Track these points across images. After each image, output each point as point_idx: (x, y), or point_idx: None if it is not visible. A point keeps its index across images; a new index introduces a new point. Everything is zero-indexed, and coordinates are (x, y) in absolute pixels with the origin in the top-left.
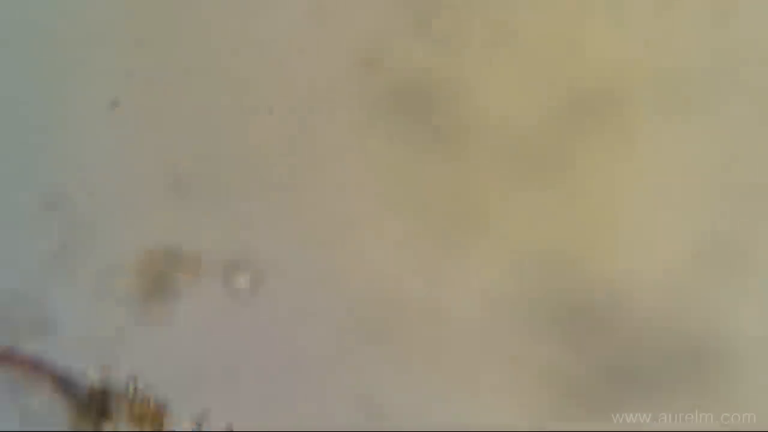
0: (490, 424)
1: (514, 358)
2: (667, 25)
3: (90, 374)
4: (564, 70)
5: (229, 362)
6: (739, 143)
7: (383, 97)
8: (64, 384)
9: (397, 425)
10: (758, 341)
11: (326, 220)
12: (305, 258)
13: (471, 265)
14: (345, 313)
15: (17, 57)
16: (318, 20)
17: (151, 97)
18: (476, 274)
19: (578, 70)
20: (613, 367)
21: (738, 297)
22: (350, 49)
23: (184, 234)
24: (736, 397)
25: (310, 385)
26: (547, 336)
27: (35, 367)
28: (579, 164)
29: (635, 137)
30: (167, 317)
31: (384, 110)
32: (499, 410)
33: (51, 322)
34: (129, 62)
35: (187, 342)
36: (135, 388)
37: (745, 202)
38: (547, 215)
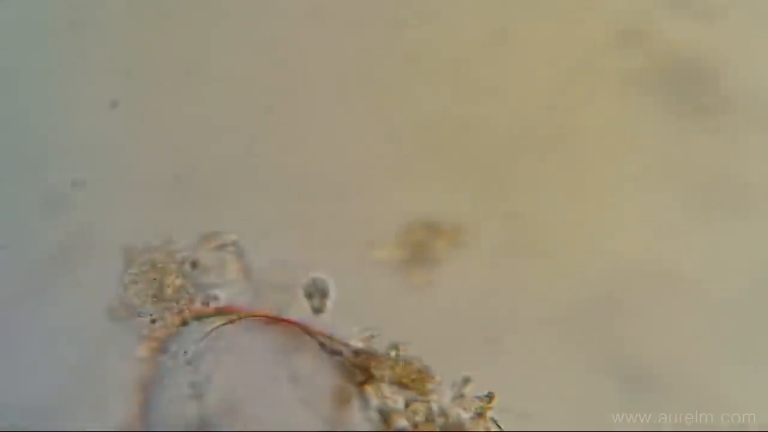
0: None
1: None
2: None
3: (354, 338)
4: None
5: (490, 330)
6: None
7: (642, 71)
8: (329, 347)
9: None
10: None
11: (584, 188)
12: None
13: (736, 240)
14: (599, 282)
15: (17, 57)
16: None
17: (151, 97)
18: (742, 251)
19: None
20: None
21: None
22: (609, 23)
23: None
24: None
25: (567, 352)
26: None
27: (302, 330)
28: None
29: None
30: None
31: (643, 84)
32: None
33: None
34: (129, 62)
35: (449, 309)
36: (398, 353)
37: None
38: None
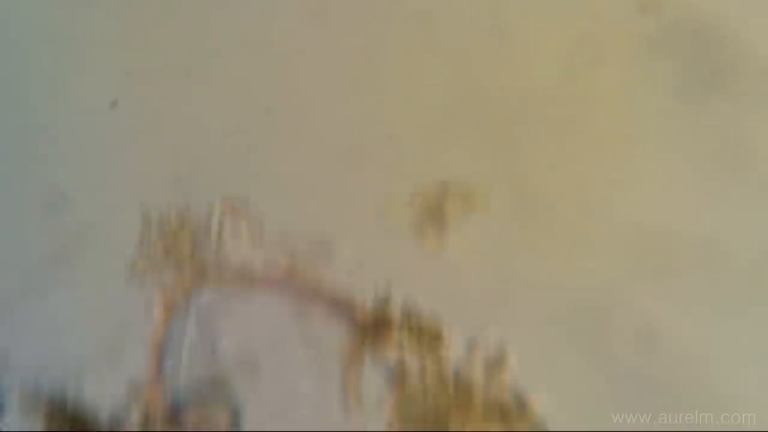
0: None
1: None
2: None
3: (367, 299)
4: None
5: (502, 287)
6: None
7: (657, 39)
8: (341, 307)
9: (672, 357)
10: None
11: (594, 158)
12: (579, 191)
13: (741, 203)
14: (620, 245)
15: (17, 57)
16: None
17: (151, 97)
18: (747, 213)
19: None
20: None
21: None
22: None
23: None
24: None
25: (588, 316)
26: None
27: (315, 289)
28: None
29: None
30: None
31: (656, 52)
32: None
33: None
34: (129, 62)
35: (461, 270)
36: (410, 314)
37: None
38: None
